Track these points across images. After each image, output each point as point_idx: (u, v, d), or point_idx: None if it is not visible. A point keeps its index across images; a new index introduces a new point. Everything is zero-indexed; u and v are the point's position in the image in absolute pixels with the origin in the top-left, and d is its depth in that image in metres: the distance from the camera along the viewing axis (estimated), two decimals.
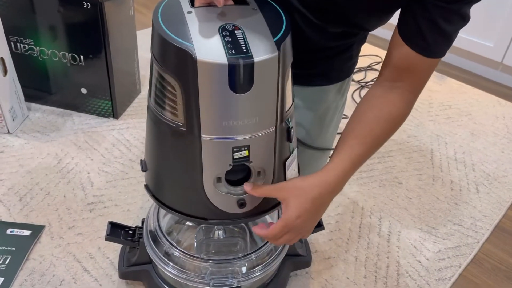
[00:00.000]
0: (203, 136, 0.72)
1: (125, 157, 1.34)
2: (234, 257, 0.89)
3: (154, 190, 0.85)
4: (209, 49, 0.67)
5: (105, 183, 1.25)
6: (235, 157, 0.73)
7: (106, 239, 0.93)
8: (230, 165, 0.74)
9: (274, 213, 0.95)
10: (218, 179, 0.77)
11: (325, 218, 1.20)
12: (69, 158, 1.32)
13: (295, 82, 0.98)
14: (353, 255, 1.12)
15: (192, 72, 0.67)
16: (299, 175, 0.88)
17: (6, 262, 1.02)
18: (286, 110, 0.77)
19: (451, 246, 1.16)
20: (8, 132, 1.38)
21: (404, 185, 1.33)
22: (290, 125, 0.78)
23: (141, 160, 0.87)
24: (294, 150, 0.83)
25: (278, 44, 0.69)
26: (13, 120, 1.38)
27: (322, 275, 1.07)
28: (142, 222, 0.98)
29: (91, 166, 1.30)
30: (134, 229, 0.97)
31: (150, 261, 0.95)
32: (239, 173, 0.78)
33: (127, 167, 1.31)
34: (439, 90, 1.78)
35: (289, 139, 0.79)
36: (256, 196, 0.78)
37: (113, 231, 0.94)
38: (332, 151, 1.16)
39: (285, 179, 0.82)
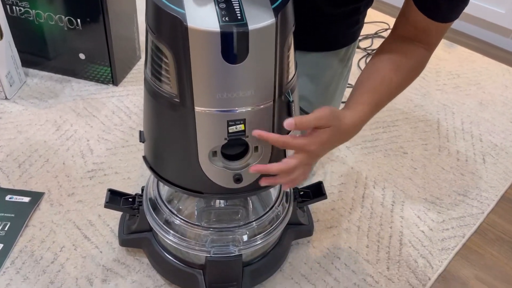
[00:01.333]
0: (197, 108, 0.69)
1: (125, 125, 1.32)
2: (235, 225, 0.88)
3: (152, 162, 0.83)
4: (201, 16, 0.63)
5: (105, 150, 1.23)
6: (230, 131, 0.71)
7: (106, 206, 0.92)
8: (225, 139, 0.71)
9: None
10: (214, 153, 0.74)
11: (328, 187, 1.18)
12: (68, 125, 1.30)
13: (298, 47, 0.95)
14: (356, 224, 1.11)
15: (183, 41, 0.64)
16: None
17: (6, 229, 1.02)
18: (286, 82, 0.73)
19: (456, 217, 1.14)
20: (6, 98, 1.35)
21: (409, 155, 1.30)
22: (291, 99, 0.75)
23: (140, 131, 0.85)
24: None
25: (277, 11, 0.65)
26: (10, 85, 1.35)
27: (324, 244, 1.06)
28: (142, 190, 0.96)
29: (90, 133, 1.28)
30: (133, 197, 0.96)
31: (150, 229, 0.94)
32: (235, 148, 0.75)
33: (127, 134, 1.29)
34: (448, 59, 1.73)
35: (289, 114, 0.75)
36: (300, 129, 0.70)
37: (112, 198, 0.93)
38: None
39: (284, 156, 0.78)
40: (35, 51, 1.43)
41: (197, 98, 0.68)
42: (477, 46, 1.85)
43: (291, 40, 0.71)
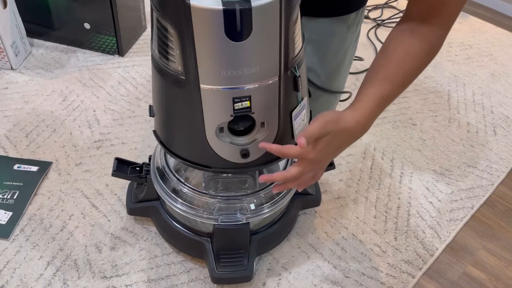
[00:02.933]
0: (202, 85, 0.69)
1: (131, 95, 1.31)
2: (243, 194, 0.88)
3: (162, 137, 0.84)
4: None
5: (111, 121, 1.23)
6: (236, 107, 0.70)
7: (113, 175, 0.92)
8: (231, 115, 0.71)
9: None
10: (221, 129, 0.74)
11: (336, 158, 1.16)
12: (74, 96, 1.29)
13: (305, 13, 0.92)
14: (364, 195, 1.10)
15: (186, 19, 0.63)
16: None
17: (14, 197, 1.02)
18: (293, 57, 0.72)
19: (465, 188, 1.14)
20: (12, 68, 1.34)
21: (418, 127, 1.29)
22: (297, 74, 0.73)
23: (150, 106, 0.86)
24: (302, 100, 0.78)
25: None
26: (16, 55, 1.34)
27: (331, 214, 1.06)
28: (149, 159, 0.96)
29: (97, 103, 1.27)
30: (141, 166, 0.95)
31: (158, 198, 0.94)
32: (242, 123, 0.75)
33: (133, 105, 1.28)
34: (460, 29, 1.69)
35: (296, 88, 0.74)
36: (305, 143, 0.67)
37: (119, 167, 0.93)
38: (342, 95, 1.10)
39: (292, 131, 0.78)
40: (40, 21, 1.41)
41: (202, 75, 0.68)
42: (489, 16, 1.80)
43: (297, 14, 0.70)
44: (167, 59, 0.71)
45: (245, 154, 0.76)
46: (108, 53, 1.43)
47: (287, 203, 0.94)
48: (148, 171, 0.93)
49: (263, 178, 0.71)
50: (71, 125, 1.21)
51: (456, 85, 1.44)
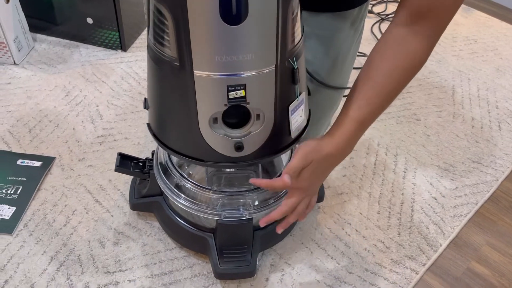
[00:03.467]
0: (196, 72, 0.67)
1: (134, 90, 1.30)
2: (246, 190, 0.88)
3: (155, 129, 0.83)
4: None
5: (114, 116, 1.23)
6: (230, 96, 0.69)
7: (116, 170, 0.92)
8: (225, 105, 0.70)
9: None
10: (215, 120, 0.73)
11: None
12: (77, 91, 1.29)
13: (308, 8, 0.91)
14: (367, 191, 1.10)
15: (181, 1, 0.61)
16: (307, 122, 0.84)
17: (18, 192, 1.02)
18: (291, 48, 0.70)
19: (469, 184, 1.13)
20: (14, 63, 1.34)
21: (422, 122, 1.28)
22: (295, 66, 0.72)
23: (145, 98, 0.85)
24: (301, 94, 0.77)
25: None
26: (19, 50, 1.34)
27: (335, 210, 1.05)
28: (152, 154, 0.96)
29: (100, 99, 1.27)
30: (144, 161, 0.95)
31: (161, 193, 0.94)
32: (237, 115, 0.73)
33: (136, 100, 1.28)
34: (464, 24, 1.68)
35: (293, 81, 0.73)
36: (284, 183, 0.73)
37: (122, 162, 0.93)
38: (346, 90, 1.09)
39: (288, 125, 0.77)
40: (42, 15, 1.41)
41: (196, 60, 0.67)
42: (494, 11, 1.78)
43: (296, 2, 0.68)
44: (162, 45, 0.70)
45: (239, 147, 0.74)
46: (111, 48, 1.43)
47: None
48: (151, 167, 0.93)
49: (263, 221, 0.78)
50: (74, 120, 1.21)
51: (460, 80, 1.43)
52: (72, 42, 1.44)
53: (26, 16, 1.35)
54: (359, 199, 1.08)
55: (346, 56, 1.04)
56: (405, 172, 1.15)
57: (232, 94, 0.69)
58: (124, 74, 1.35)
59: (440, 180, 1.13)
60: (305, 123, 0.82)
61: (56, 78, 1.32)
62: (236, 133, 0.74)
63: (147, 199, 0.97)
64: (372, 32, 1.59)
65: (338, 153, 0.76)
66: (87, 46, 1.43)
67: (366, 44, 1.53)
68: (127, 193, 1.04)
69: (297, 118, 0.79)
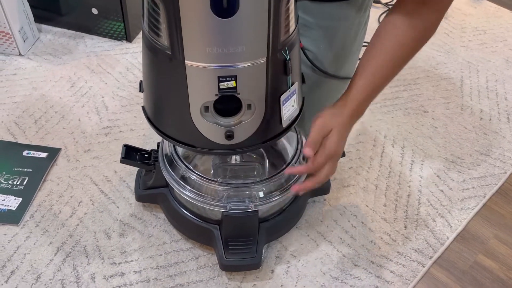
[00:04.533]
0: (187, 62, 0.67)
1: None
2: (252, 181, 0.87)
3: (149, 113, 0.83)
4: None
5: (120, 107, 1.22)
6: (221, 87, 0.69)
7: (122, 161, 0.92)
8: (216, 95, 0.70)
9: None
10: (206, 109, 0.73)
11: (346, 146, 1.14)
12: (83, 82, 1.28)
13: None
14: (373, 183, 1.09)
15: None
16: (300, 112, 0.84)
17: (24, 183, 1.03)
18: (284, 39, 0.70)
19: (477, 176, 1.12)
20: (20, 54, 1.34)
21: (430, 114, 1.27)
22: (287, 58, 0.71)
23: (140, 81, 0.85)
24: (293, 84, 0.77)
25: None
26: (24, 41, 1.34)
27: (341, 202, 1.05)
28: (158, 146, 0.96)
29: (105, 90, 1.27)
30: (149, 152, 0.95)
31: (167, 185, 0.94)
32: (228, 104, 0.73)
33: None
34: (473, 14, 1.65)
35: (285, 72, 0.73)
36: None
37: (128, 154, 0.93)
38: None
39: (280, 114, 0.77)
40: (47, 6, 1.40)
41: (187, 51, 0.66)
42: (504, 1, 1.75)
43: None
44: (155, 33, 0.69)
45: (229, 135, 0.75)
46: (116, 38, 1.42)
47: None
48: (156, 158, 0.92)
49: (288, 171, 0.79)
50: (79, 111, 1.20)
51: (469, 71, 1.41)
52: (77, 33, 1.44)
53: (31, 6, 1.34)
54: (366, 192, 1.07)
55: (351, 46, 1.02)
56: (412, 165, 1.14)
57: (223, 85, 0.69)
58: (129, 65, 1.35)
59: (448, 172, 1.12)
60: (297, 112, 0.82)
61: (61, 69, 1.32)
62: (227, 121, 0.74)
63: (152, 190, 0.97)
64: (379, 22, 1.57)
65: (351, 120, 0.80)
66: (92, 37, 1.43)
67: (370, 34, 1.51)
68: (132, 185, 1.03)
69: (288, 108, 0.79)
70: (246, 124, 0.75)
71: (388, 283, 0.92)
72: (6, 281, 0.88)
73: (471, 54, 1.48)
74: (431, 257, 0.96)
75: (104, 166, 1.08)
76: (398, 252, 0.96)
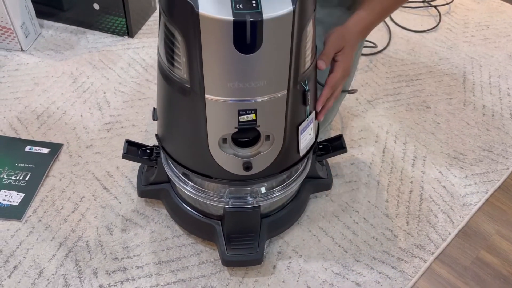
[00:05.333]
0: (207, 96, 0.67)
1: (141, 77, 1.30)
2: (254, 177, 0.87)
3: (164, 141, 0.84)
4: (213, 2, 0.60)
5: (121, 103, 1.22)
6: (241, 120, 0.69)
7: (123, 157, 0.92)
8: (235, 127, 0.70)
9: None
10: (224, 140, 0.73)
11: (348, 142, 1.16)
12: (85, 77, 1.28)
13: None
14: (375, 179, 1.09)
15: (195, 27, 0.61)
16: (316, 139, 0.85)
17: (26, 179, 1.03)
18: (303, 71, 0.70)
19: (479, 172, 1.12)
20: (22, 50, 1.34)
21: (432, 110, 1.26)
22: (307, 88, 0.72)
23: (154, 108, 0.85)
24: (311, 114, 0.78)
25: None
26: (26, 37, 1.33)
27: (343, 198, 1.05)
28: None
29: (107, 85, 1.27)
30: (151, 148, 0.95)
31: (169, 180, 0.94)
32: (247, 135, 0.74)
33: (143, 87, 1.27)
34: (476, 9, 1.64)
35: (304, 102, 0.73)
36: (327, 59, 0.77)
37: (130, 149, 0.93)
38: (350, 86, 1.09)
39: (297, 145, 0.78)
40: (49, 1, 1.40)
41: (208, 86, 0.66)
42: None
43: (309, 28, 0.68)
44: (173, 65, 0.69)
45: (247, 167, 0.75)
46: (117, 34, 1.42)
47: (297, 186, 0.93)
48: (158, 154, 0.92)
49: (319, 105, 0.80)
50: (81, 107, 1.20)
51: (472, 66, 1.41)
52: (79, 28, 1.43)
53: (33, 2, 1.34)
54: (368, 187, 1.07)
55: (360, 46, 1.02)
56: (414, 160, 1.13)
57: (243, 118, 0.69)
58: (131, 61, 1.34)
59: (450, 168, 1.12)
60: (313, 140, 0.83)
61: (63, 65, 1.31)
62: (245, 152, 0.75)
63: (154, 186, 0.97)
64: None
65: (360, 38, 0.86)
66: (94, 33, 1.42)
67: (376, 31, 1.50)
68: (134, 180, 1.04)
69: (306, 137, 0.80)
70: (264, 155, 0.75)
71: (390, 278, 0.92)
72: (9, 276, 0.88)
73: (474, 49, 1.47)
74: (433, 253, 0.96)
75: (106, 162, 1.08)
76: (400, 248, 0.96)
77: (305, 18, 0.65)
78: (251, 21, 0.59)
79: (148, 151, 0.95)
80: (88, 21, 1.42)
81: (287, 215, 0.95)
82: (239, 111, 0.68)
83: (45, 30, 1.42)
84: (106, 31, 1.42)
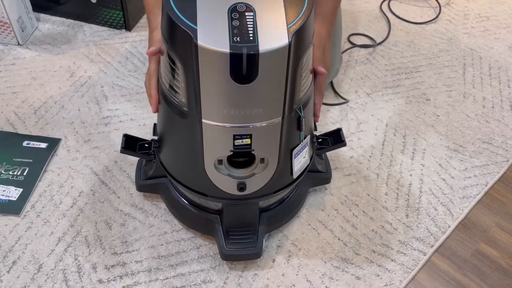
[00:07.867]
0: (204, 120, 0.70)
1: (139, 71, 1.29)
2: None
3: (162, 158, 0.86)
4: (212, 33, 0.62)
5: (119, 97, 1.21)
6: (236, 144, 0.71)
7: (122, 151, 0.91)
8: (231, 150, 0.72)
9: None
10: (220, 161, 0.76)
11: (347, 135, 1.15)
12: (82, 71, 1.28)
13: None
14: (375, 172, 1.08)
15: (193, 57, 0.63)
16: (310, 162, 0.87)
17: (24, 174, 1.02)
18: (298, 99, 0.72)
19: (479, 165, 1.11)
20: (18, 44, 1.33)
21: (432, 102, 1.26)
22: (302, 115, 0.74)
23: (154, 124, 0.88)
24: (305, 138, 0.80)
25: (292, 31, 0.63)
26: (22, 31, 1.32)
27: (342, 191, 1.04)
28: None
29: (104, 79, 1.26)
30: (149, 142, 0.94)
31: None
32: (242, 156, 0.76)
33: (141, 81, 1.26)
34: (477, 0, 1.63)
35: (299, 128, 0.75)
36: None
37: (128, 143, 0.92)
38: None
39: (291, 168, 0.80)
40: None
41: (205, 111, 0.69)
42: None
43: (306, 58, 0.69)
44: (173, 88, 0.72)
45: (242, 188, 0.78)
46: (115, 27, 1.41)
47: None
48: (156, 148, 0.92)
49: (318, 113, 0.85)
50: (79, 101, 1.20)
51: (472, 58, 1.40)
52: (76, 21, 1.42)
53: None
54: (367, 181, 1.07)
55: (335, 39, 1.05)
56: (413, 153, 1.13)
57: (238, 142, 0.71)
58: (128, 55, 1.33)
59: (449, 161, 1.12)
60: (308, 163, 0.86)
61: (60, 59, 1.31)
62: (240, 173, 0.77)
63: (153, 180, 0.96)
64: (381, 9, 1.55)
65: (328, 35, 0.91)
66: (91, 26, 1.41)
67: (376, 22, 1.49)
68: (133, 175, 1.03)
69: (300, 160, 0.81)
70: (258, 176, 0.78)
71: (389, 271, 0.92)
72: (8, 271, 0.88)
73: (473, 41, 1.46)
74: (432, 246, 0.96)
75: (105, 156, 1.08)
76: (399, 240, 0.96)
77: (301, 51, 0.67)
78: (247, 54, 0.61)
79: (146, 145, 0.94)
80: (85, 14, 1.40)
81: (286, 209, 0.95)
82: (234, 135, 0.70)
83: (41, 23, 1.41)
84: (104, 25, 1.41)
